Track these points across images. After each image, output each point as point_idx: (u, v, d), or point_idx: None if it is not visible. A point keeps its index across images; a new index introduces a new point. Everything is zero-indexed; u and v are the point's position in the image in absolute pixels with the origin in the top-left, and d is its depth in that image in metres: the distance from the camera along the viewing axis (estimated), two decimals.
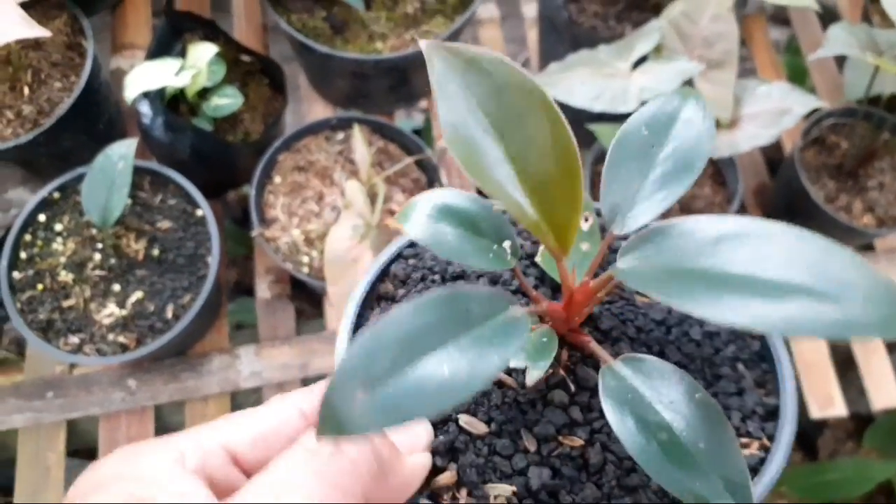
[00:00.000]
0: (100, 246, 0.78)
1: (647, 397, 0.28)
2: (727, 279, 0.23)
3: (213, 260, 0.77)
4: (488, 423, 0.31)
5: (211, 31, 0.88)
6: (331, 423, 0.22)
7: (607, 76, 0.70)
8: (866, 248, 1.00)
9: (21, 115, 0.82)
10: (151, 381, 0.84)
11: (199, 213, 0.80)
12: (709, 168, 0.82)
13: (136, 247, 0.78)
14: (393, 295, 0.38)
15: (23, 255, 0.78)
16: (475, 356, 0.24)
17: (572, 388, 0.32)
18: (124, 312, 0.76)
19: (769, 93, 0.74)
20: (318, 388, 0.30)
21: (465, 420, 0.31)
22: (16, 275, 0.77)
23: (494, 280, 0.37)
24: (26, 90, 0.84)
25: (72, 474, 0.81)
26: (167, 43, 0.86)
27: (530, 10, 1.08)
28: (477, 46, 0.29)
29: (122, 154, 0.76)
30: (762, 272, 0.23)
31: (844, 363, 0.99)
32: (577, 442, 0.31)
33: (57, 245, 0.78)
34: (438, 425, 0.32)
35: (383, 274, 0.39)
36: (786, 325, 0.21)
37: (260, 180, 0.83)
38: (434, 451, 0.31)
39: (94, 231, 0.79)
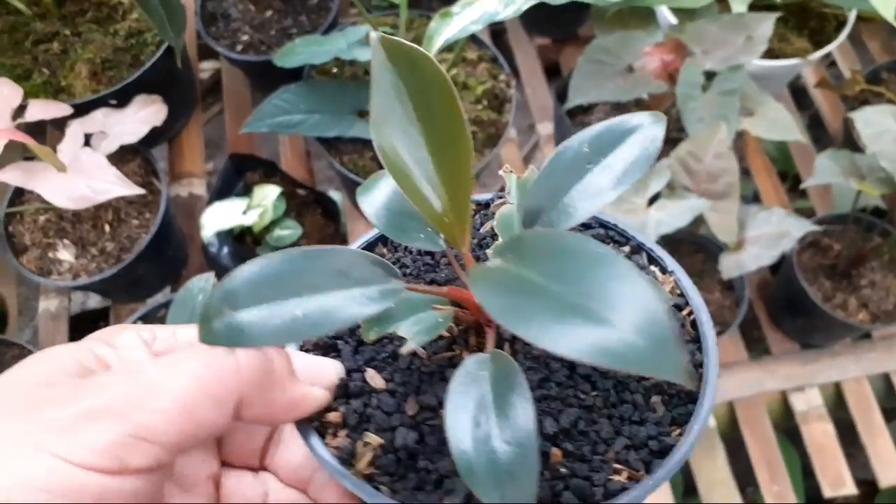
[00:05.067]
0: None
1: (488, 391, 0.27)
2: (551, 296, 0.24)
3: None
4: (388, 381, 0.34)
5: (269, 168, 0.99)
6: (203, 330, 0.27)
7: (627, 212, 0.81)
8: (864, 336, 1.09)
9: (105, 251, 0.92)
10: None
11: None
12: (718, 274, 0.92)
13: None
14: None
15: None
16: (331, 310, 0.28)
17: None
18: None
19: (769, 218, 0.85)
20: None
21: (370, 374, 0.34)
22: None
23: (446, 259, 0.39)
24: (107, 228, 0.94)
25: None
26: (231, 182, 0.97)
27: (545, 129, 1.19)
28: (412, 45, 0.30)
29: (201, 287, 0.85)
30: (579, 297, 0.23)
31: (848, 439, 1.07)
32: None
33: None
34: (349, 372, 0.34)
35: (379, 241, 0.41)
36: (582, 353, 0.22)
37: None
38: (335, 393, 0.34)
39: None
